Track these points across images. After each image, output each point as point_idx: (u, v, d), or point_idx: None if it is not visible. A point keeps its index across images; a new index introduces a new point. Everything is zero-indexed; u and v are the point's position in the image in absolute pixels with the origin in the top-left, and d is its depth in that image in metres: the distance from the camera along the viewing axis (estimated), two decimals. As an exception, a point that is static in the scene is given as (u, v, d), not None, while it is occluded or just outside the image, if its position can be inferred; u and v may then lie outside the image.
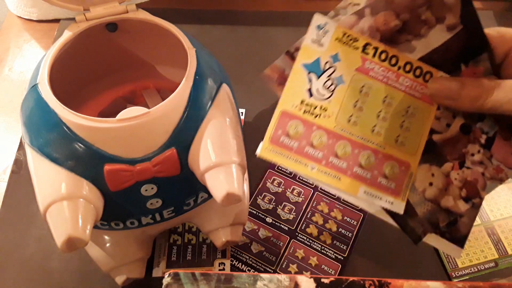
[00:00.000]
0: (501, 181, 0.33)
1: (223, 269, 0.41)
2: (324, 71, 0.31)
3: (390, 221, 0.32)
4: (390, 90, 0.32)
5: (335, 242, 0.44)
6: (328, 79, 0.31)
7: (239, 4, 0.65)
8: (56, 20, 0.61)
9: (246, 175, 0.42)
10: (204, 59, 0.35)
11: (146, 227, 0.37)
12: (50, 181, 0.30)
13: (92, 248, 0.37)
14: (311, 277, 0.30)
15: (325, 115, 0.31)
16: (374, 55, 0.32)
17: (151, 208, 0.34)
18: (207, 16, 0.63)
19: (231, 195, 0.29)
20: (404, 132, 0.32)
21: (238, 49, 0.59)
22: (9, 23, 0.62)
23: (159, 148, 0.31)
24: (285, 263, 0.42)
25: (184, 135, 0.31)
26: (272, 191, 0.47)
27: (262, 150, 0.30)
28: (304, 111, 0.31)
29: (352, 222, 0.45)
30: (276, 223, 0.45)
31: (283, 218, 0.45)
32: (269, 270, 0.42)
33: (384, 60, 0.32)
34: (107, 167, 0.30)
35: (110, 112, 0.42)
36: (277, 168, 0.48)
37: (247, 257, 0.43)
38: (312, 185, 0.47)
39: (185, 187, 0.34)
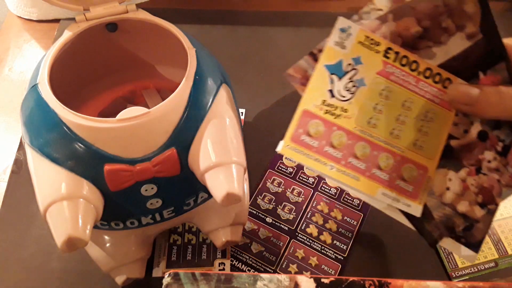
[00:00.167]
0: None
1: (223, 269, 0.41)
2: (346, 73, 0.32)
3: (407, 223, 0.33)
4: (410, 94, 0.32)
5: (335, 242, 0.44)
6: (350, 81, 0.32)
7: (239, 4, 0.65)
8: (56, 20, 0.61)
9: (246, 175, 0.42)
10: (204, 59, 0.35)
11: (146, 227, 0.37)
12: (50, 181, 0.30)
13: (92, 248, 0.37)
14: (311, 277, 0.30)
15: (346, 116, 0.31)
16: (395, 60, 0.32)
17: (151, 208, 0.34)
18: (207, 16, 0.63)
19: (231, 195, 0.29)
20: (423, 136, 0.32)
21: (238, 49, 0.59)
22: (9, 23, 0.62)
23: (159, 148, 0.31)
24: (285, 263, 0.42)
25: (184, 135, 0.31)
26: (272, 191, 0.47)
27: (283, 147, 0.30)
28: (325, 111, 0.31)
29: (352, 222, 0.45)
30: (276, 223, 0.45)
31: (283, 218, 0.45)
32: (269, 270, 0.42)
33: (404, 65, 0.32)
34: (107, 167, 0.30)
35: (110, 112, 0.42)
36: (277, 168, 0.48)
37: (247, 257, 0.43)
38: (312, 185, 0.47)
39: (185, 187, 0.34)
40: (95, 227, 0.35)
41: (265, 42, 0.60)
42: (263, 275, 0.30)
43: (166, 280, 0.30)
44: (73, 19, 0.37)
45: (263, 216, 0.45)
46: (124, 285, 0.39)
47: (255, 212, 0.45)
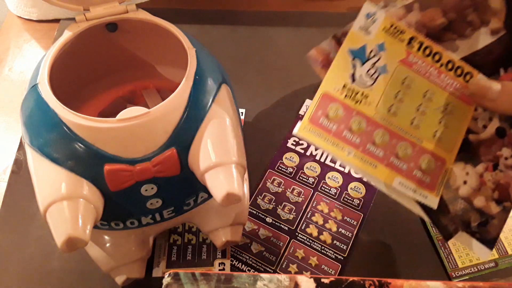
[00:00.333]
0: None
1: (223, 269, 0.41)
2: (369, 59, 0.32)
3: (422, 214, 0.32)
4: (431, 85, 0.32)
5: (335, 242, 0.44)
6: (372, 67, 0.32)
7: (239, 4, 0.65)
8: (56, 20, 0.61)
9: (246, 175, 0.42)
10: (204, 59, 0.35)
11: (146, 227, 0.37)
12: (50, 181, 0.30)
13: (92, 248, 0.37)
14: (311, 277, 0.30)
15: (366, 102, 0.31)
16: (418, 49, 0.32)
17: (151, 208, 0.34)
18: (207, 16, 0.63)
19: (231, 195, 0.29)
20: (442, 129, 0.32)
21: (238, 49, 0.59)
22: (9, 23, 0.62)
23: (159, 148, 0.31)
24: (285, 263, 0.42)
25: (184, 135, 0.31)
26: (272, 191, 0.47)
27: (301, 129, 0.30)
28: (346, 96, 0.31)
29: (352, 222, 0.45)
30: (276, 223, 0.45)
31: (283, 218, 0.45)
32: (269, 270, 0.42)
33: (427, 56, 0.32)
34: (107, 167, 0.30)
35: (110, 112, 0.42)
36: (277, 168, 0.48)
37: (247, 257, 0.43)
38: (312, 185, 0.47)
39: (185, 187, 0.34)
40: (95, 227, 0.35)
41: (265, 42, 0.60)
42: (263, 275, 0.30)
43: (166, 280, 0.30)
44: (73, 19, 0.37)
45: (263, 216, 0.45)
46: (124, 285, 0.39)
47: (255, 212, 0.45)
